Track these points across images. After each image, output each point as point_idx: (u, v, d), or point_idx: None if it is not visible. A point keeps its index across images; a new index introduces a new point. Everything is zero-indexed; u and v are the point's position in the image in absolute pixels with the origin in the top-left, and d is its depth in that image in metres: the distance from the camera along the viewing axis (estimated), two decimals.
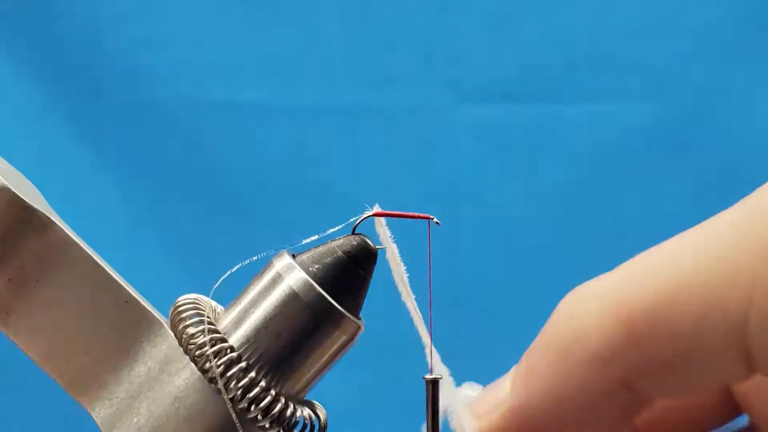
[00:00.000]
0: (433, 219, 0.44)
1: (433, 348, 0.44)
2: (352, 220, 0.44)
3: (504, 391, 0.41)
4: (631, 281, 0.38)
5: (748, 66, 1.23)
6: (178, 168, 1.25)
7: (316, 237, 0.44)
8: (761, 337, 0.35)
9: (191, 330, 0.42)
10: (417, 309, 0.45)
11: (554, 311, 0.41)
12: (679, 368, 0.37)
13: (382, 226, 0.44)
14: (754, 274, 0.35)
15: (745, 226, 0.36)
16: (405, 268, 0.44)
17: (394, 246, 0.44)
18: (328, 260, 0.43)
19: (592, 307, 0.39)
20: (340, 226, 0.44)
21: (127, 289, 0.44)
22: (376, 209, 0.44)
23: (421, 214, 0.45)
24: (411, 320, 0.45)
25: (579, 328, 0.39)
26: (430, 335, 0.44)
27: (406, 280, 0.44)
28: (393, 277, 0.44)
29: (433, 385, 0.42)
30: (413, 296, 0.44)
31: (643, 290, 0.37)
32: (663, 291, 0.37)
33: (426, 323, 0.44)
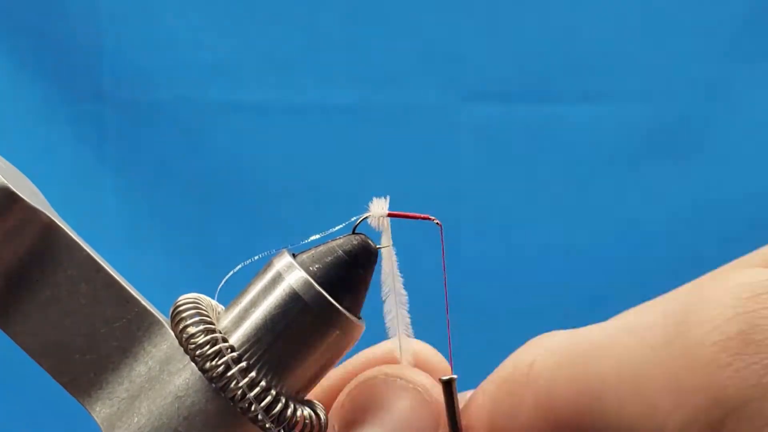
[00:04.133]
0: (434, 220, 0.44)
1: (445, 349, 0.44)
2: (353, 219, 0.44)
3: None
4: (560, 373, 0.37)
5: (748, 66, 1.23)
6: (178, 168, 1.25)
7: (318, 236, 0.44)
8: None
9: (191, 330, 0.42)
10: (402, 309, 0.45)
11: (508, 360, 0.40)
12: None
13: (385, 228, 0.44)
14: (670, 406, 0.33)
15: (672, 340, 0.33)
16: (397, 267, 0.44)
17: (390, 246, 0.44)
18: (328, 260, 0.43)
19: (524, 394, 0.38)
20: (341, 226, 0.44)
21: (128, 288, 0.44)
22: (378, 203, 0.44)
23: (426, 216, 0.45)
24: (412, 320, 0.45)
25: (512, 416, 0.39)
26: (449, 337, 0.44)
27: (398, 279, 0.44)
28: (385, 275, 0.44)
29: (450, 385, 0.42)
30: (404, 296, 0.44)
31: (567, 391, 0.36)
32: (585, 398, 0.35)
33: (415, 324, 0.44)
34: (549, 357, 0.38)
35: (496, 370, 0.40)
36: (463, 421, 0.42)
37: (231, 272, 0.44)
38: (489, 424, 0.40)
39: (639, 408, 0.34)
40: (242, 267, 0.44)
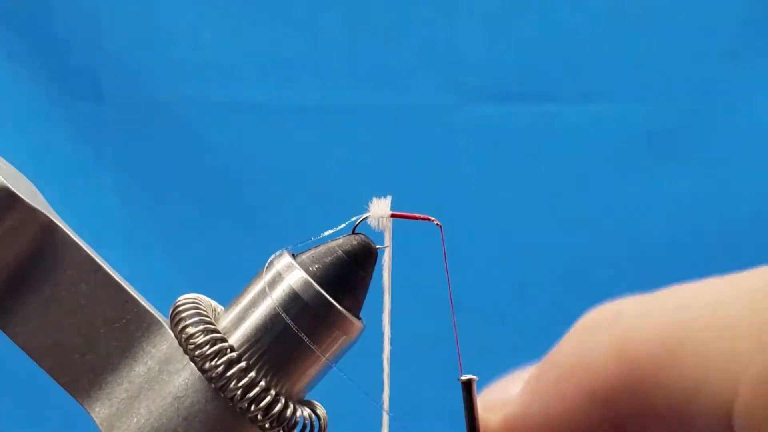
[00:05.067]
0: (434, 221, 0.44)
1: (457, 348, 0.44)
2: (353, 219, 0.44)
3: (513, 392, 0.41)
4: (645, 319, 0.37)
5: (748, 66, 1.23)
6: (177, 168, 1.25)
7: (323, 234, 0.44)
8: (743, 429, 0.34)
9: (191, 330, 0.42)
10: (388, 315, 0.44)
11: (576, 324, 0.40)
12: (671, 423, 0.36)
13: (388, 229, 0.44)
14: (747, 361, 0.33)
15: (757, 302, 0.34)
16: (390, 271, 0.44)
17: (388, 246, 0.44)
18: (328, 260, 0.43)
19: (602, 338, 0.38)
20: (343, 225, 0.44)
21: (127, 289, 0.44)
22: (378, 203, 0.44)
23: (426, 216, 0.44)
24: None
25: (585, 355, 0.38)
26: (456, 337, 0.44)
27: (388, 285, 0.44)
28: (384, 276, 0.44)
29: (469, 385, 0.42)
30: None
31: (651, 334, 0.36)
32: (668, 341, 0.36)
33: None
34: (636, 306, 0.38)
35: (577, 323, 0.40)
36: (531, 376, 0.41)
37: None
38: (560, 373, 0.39)
39: (720, 354, 0.34)
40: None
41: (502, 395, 0.41)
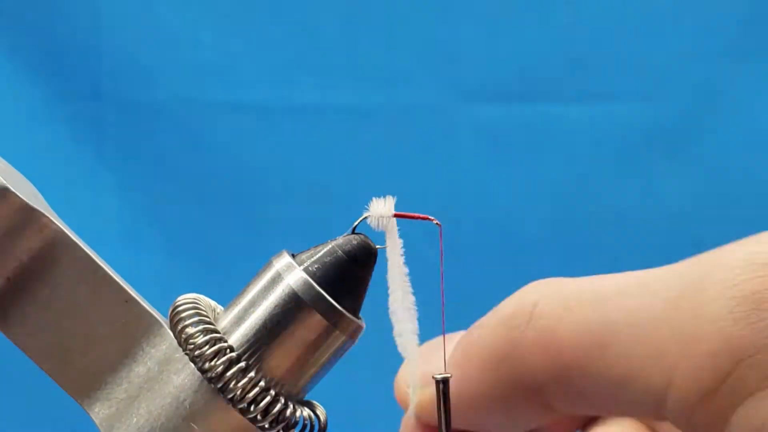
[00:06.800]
0: (434, 220, 0.44)
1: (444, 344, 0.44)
2: (363, 217, 0.44)
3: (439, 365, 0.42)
4: (568, 315, 0.38)
5: (749, 66, 1.23)
6: (177, 168, 1.25)
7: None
8: (677, 419, 0.35)
9: (190, 330, 0.42)
10: (411, 311, 0.44)
11: (511, 299, 0.40)
12: (600, 405, 0.38)
13: (391, 229, 0.44)
14: (679, 352, 0.34)
15: (686, 294, 0.35)
16: (404, 265, 0.44)
17: (399, 242, 0.44)
18: (328, 260, 0.43)
19: (527, 332, 0.39)
20: (355, 225, 0.44)
21: (127, 288, 0.44)
22: (379, 203, 0.44)
23: (426, 216, 0.44)
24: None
25: (515, 339, 0.39)
26: (443, 333, 0.44)
27: (407, 280, 0.44)
28: (389, 275, 0.44)
29: (444, 384, 0.42)
30: (412, 297, 0.44)
31: (575, 330, 0.37)
32: (595, 339, 0.37)
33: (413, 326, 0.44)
34: (554, 299, 0.39)
35: (494, 309, 0.41)
36: (453, 352, 0.42)
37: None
38: (484, 358, 0.40)
39: (646, 356, 0.35)
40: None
41: (425, 371, 0.42)
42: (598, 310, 0.37)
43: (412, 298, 0.44)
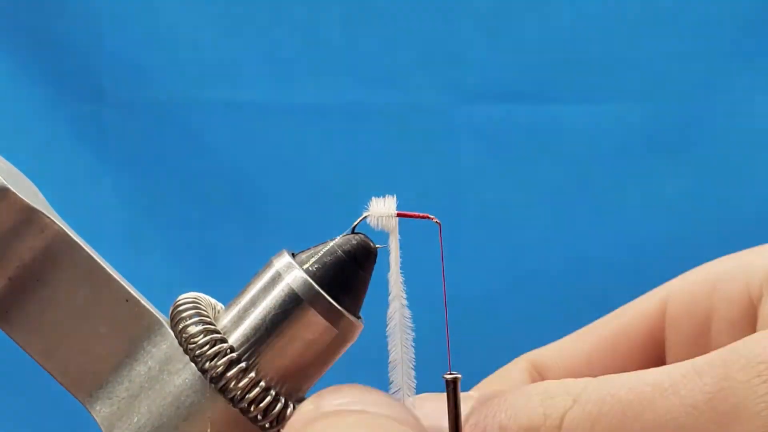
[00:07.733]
0: (433, 219, 0.44)
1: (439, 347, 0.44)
2: (364, 217, 0.44)
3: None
4: (600, 427, 0.37)
5: (748, 66, 1.23)
6: (178, 168, 1.25)
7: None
8: None
9: (191, 330, 0.43)
10: (404, 310, 0.44)
11: (533, 404, 0.40)
12: None
13: (392, 229, 0.44)
14: None
15: (717, 401, 0.35)
16: (400, 268, 0.44)
17: (396, 245, 0.44)
18: (327, 259, 0.43)
19: None
20: (355, 225, 0.44)
21: (127, 288, 0.44)
22: (380, 203, 0.44)
23: (425, 215, 0.45)
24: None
25: None
26: (447, 335, 0.44)
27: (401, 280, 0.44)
28: (390, 275, 0.44)
29: (454, 383, 0.42)
30: (404, 297, 0.44)
31: None
32: None
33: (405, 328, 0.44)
34: (581, 411, 0.38)
35: (520, 410, 0.40)
36: None
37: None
38: None
39: None
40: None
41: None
42: (626, 422, 0.37)
43: (412, 351, 0.44)
